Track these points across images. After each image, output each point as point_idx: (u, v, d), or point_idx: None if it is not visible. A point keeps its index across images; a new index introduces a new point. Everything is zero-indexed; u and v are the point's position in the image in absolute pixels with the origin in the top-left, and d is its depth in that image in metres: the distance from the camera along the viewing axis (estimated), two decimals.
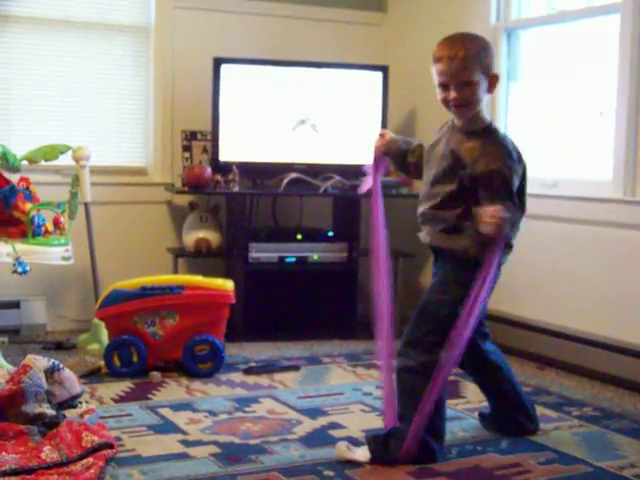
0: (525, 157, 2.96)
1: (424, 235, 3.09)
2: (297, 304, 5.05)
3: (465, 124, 2.97)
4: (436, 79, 2.95)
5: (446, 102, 2.94)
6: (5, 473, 2.57)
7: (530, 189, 3.03)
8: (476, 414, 3.40)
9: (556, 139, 4.45)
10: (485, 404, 3.44)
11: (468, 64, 2.86)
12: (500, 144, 2.92)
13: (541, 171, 4.36)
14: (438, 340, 2.87)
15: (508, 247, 2.95)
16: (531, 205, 3.10)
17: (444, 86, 2.92)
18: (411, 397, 2.87)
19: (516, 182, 2.88)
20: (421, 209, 3.08)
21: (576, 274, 4.22)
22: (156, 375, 3.89)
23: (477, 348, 3.14)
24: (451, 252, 2.99)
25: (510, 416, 3.20)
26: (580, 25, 4.34)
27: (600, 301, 4.09)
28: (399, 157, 3.23)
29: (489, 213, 2.77)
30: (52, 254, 4.17)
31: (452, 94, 2.90)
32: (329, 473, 2.77)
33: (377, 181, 3.22)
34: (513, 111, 4.71)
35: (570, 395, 3.78)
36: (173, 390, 3.75)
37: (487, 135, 2.94)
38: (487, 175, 2.85)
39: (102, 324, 4.17)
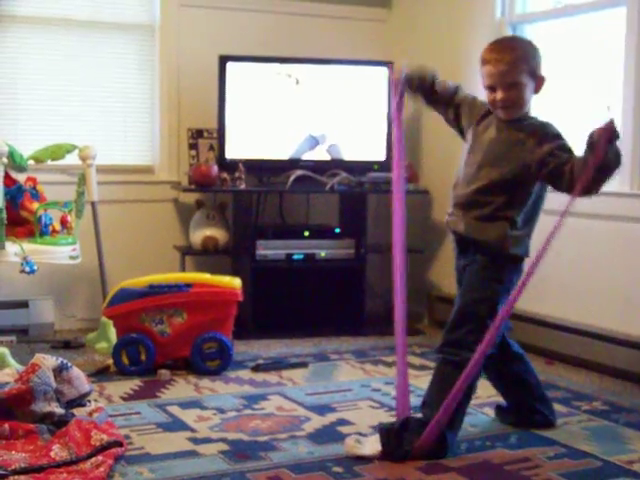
0: None
1: (456, 221, 3.07)
2: (305, 301, 5.04)
3: (513, 120, 3.00)
4: (483, 81, 3.00)
5: (493, 103, 2.98)
6: (15, 472, 2.58)
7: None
8: (485, 409, 3.40)
9: (564, 134, 4.43)
10: (494, 398, 3.44)
11: (515, 66, 2.92)
12: (550, 124, 3.00)
13: None
14: (479, 338, 2.88)
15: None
16: None
17: (491, 88, 2.97)
18: (444, 389, 2.87)
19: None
20: (462, 191, 3.05)
21: (584, 268, 4.22)
22: (164, 373, 3.89)
23: (502, 340, 3.15)
24: (485, 244, 2.99)
25: (533, 408, 3.21)
26: (586, 19, 4.33)
27: (609, 295, 4.08)
28: (425, 88, 3.19)
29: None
30: (59, 253, 4.17)
31: (499, 95, 2.94)
32: (338, 469, 2.77)
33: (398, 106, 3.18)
34: None
35: (579, 389, 3.77)
36: (181, 388, 3.75)
37: (536, 120, 3.01)
38: (557, 148, 2.89)
39: (110, 323, 4.17)
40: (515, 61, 2.92)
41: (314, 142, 5.03)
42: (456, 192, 3.08)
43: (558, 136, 2.95)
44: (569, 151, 2.90)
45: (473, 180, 3.01)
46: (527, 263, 2.96)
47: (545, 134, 2.94)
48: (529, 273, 2.81)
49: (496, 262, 2.97)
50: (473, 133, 3.09)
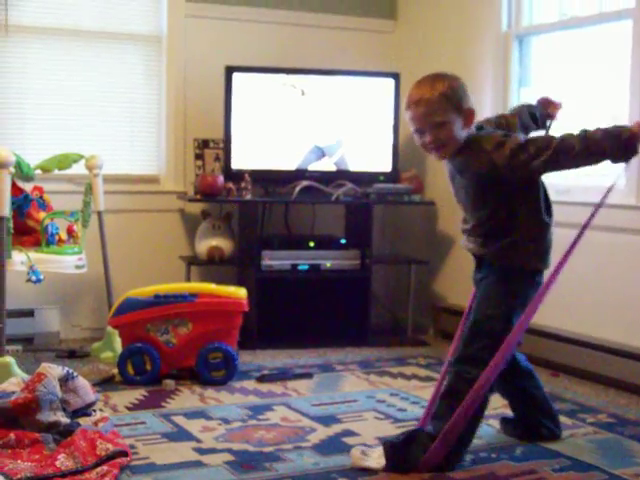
0: None
1: (467, 242, 3.09)
2: (310, 311, 5.04)
3: (454, 157, 2.98)
4: (410, 126, 2.95)
5: (425, 146, 2.94)
6: None
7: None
8: (490, 421, 3.40)
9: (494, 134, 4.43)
10: (500, 410, 3.44)
11: (435, 106, 2.86)
12: (485, 134, 2.94)
13: (553, 177, 4.34)
14: (494, 355, 2.88)
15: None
16: None
17: (419, 131, 2.92)
18: (453, 403, 2.87)
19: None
20: (464, 226, 3.08)
21: (589, 280, 4.21)
22: (169, 383, 3.89)
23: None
24: (495, 258, 2.99)
25: (539, 421, 3.20)
26: (592, 31, 4.34)
27: (614, 307, 4.08)
28: None
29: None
30: (66, 263, 4.18)
31: (428, 137, 2.90)
32: None
33: None
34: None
35: (584, 402, 3.77)
36: (187, 398, 3.75)
37: (472, 139, 2.93)
38: (511, 153, 2.84)
39: (116, 332, 4.18)
40: (436, 100, 2.85)
41: (320, 153, 5.04)
42: (462, 225, 3.11)
43: (498, 143, 2.87)
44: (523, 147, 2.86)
45: (468, 220, 3.05)
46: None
47: (487, 152, 2.87)
48: (546, 287, 2.82)
49: (510, 275, 2.96)
50: (451, 180, 3.10)
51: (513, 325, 2.92)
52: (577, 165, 2.86)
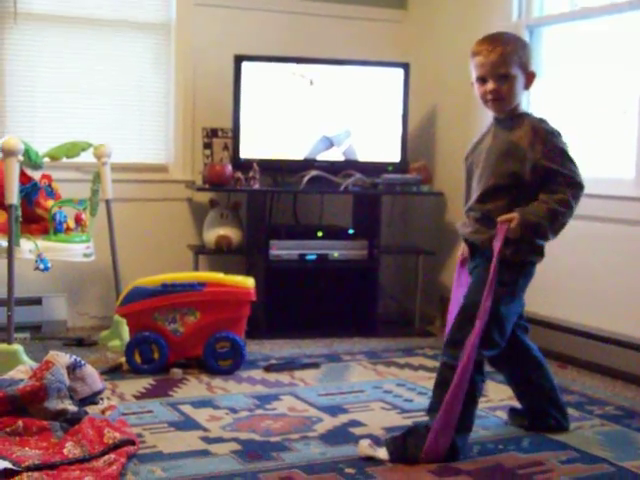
0: None
1: (464, 227, 3.10)
2: (318, 301, 5.05)
3: (506, 120, 2.99)
4: (474, 73, 2.98)
5: (484, 96, 2.97)
6: (28, 468, 2.58)
7: None
8: (498, 412, 3.40)
9: (579, 137, 4.42)
10: (506, 402, 3.44)
11: (506, 57, 2.91)
12: (545, 124, 2.95)
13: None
14: (481, 340, 2.89)
15: (538, 250, 2.98)
16: None
17: (482, 80, 2.95)
18: (445, 393, 2.87)
19: (573, 158, 2.92)
20: (469, 203, 3.08)
21: (598, 272, 4.20)
22: (177, 372, 3.90)
23: (520, 343, 3.15)
24: (485, 247, 2.98)
25: (546, 412, 3.20)
26: (603, 21, 4.31)
27: (623, 299, 4.06)
28: None
29: (501, 219, 2.87)
30: (73, 251, 4.18)
31: (490, 86, 2.93)
32: (350, 470, 2.76)
33: None
34: (535, 109, 4.67)
35: (592, 394, 3.76)
36: (194, 387, 3.75)
37: (530, 120, 2.96)
38: (550, 155, 2.86)
39: (123, 321, 4.18)
40: (507, 52, 2.91)
41: (328, 143, 5.03)
42: (466, 204, 3.09)
43: (550, 141, 2.90)
44: (560, 164, 2.88)
45: (476, 189, 3.02)
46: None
47: (536, 138, 2.90)
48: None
49: (499, 263, 2.94)
50: (470, 154, 3.12)
51: (500, 313, 2.92)
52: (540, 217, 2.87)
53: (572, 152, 2.93)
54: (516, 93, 2.95)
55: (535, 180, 2.88)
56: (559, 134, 2.94)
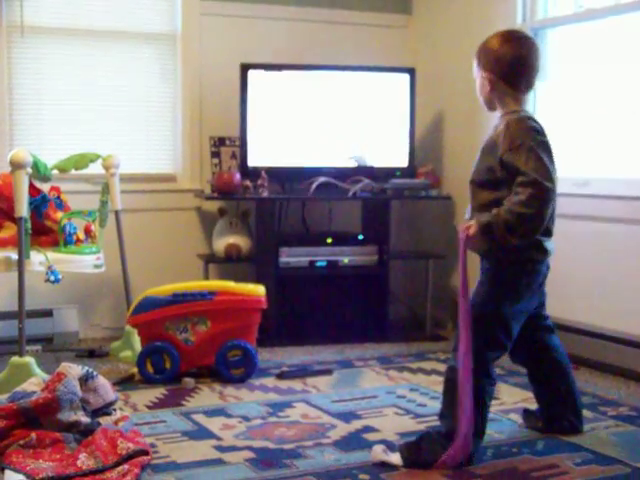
0: (555, 156, 2.91)
1: None
2: (328, 308, 5.04)
3: (498, 119, 2.99)
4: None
5: None
6: None
7: (561, 188, 3.01)
8: (511, 415, 3.39)
9: (586, 138, 4.42)
10: (520, 405, 3.43)
11: (475, 60, 3.03)
12: (524, 122, 2.89)
13: (572, 170, 4.33)
14: (485, 342, 2.90)
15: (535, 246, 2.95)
16: (562, 204, 3.09)
17: None
18: (454, 397, 2.87)
19: (544, 156, 2.81)
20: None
21: (609, 273, 4.19)
22: (189, 381, 3.90)
23: (540, 343, 3.14)
24: (480, 253, 2.99)
25: (561, 414, 3.19)
26: (608, 22, 4.30)
27: (634, 300, 4.05)
28: None
29: (461, 227, 2.88)
30: (84, 262, 4.18)
31: None
32: (364, 477, 2.76)
33: None
34: (542, 111, 4.67)
35: (605, 395, 3.75)
36: (206, 396, 3.75)
37: (511, 117, 2.91)
38: (514, 151, 2.80)
39: (134, 331, 4.19)
40: (476, 55, 3.03)
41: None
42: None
43: (519, 137, 2.83)
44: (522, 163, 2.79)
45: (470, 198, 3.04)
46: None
47: (507, 134, 2.85)
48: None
49: (500, 264, 2.94)
50: None
51: (502, 313, 2.92)
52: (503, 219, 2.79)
53: (546, 152, 2.82)
54: (482, 93, 3.02)
55: (506, 176, 2.84)
56: (536, 132, 2.86)
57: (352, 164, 5.04)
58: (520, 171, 2.77)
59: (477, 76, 3.03)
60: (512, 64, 2.95)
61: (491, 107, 3.04)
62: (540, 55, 3.05)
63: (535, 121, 2.91)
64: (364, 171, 5.03)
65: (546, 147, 2.85)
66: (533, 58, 2.99)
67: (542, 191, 2.75)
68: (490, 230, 2.79)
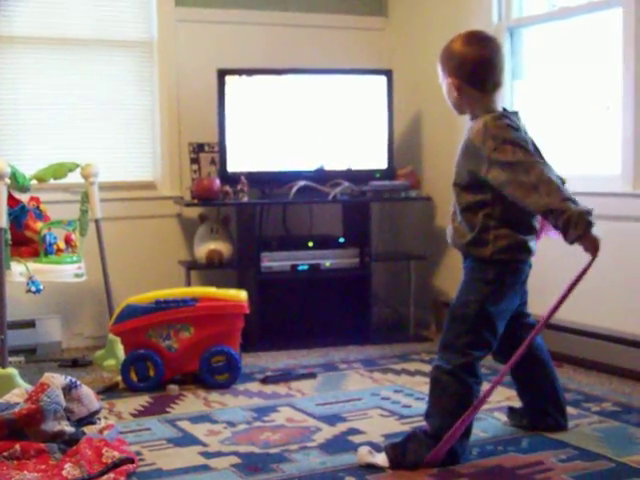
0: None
1: (448, 232, 3.09)
2: (311, 311, 5.04)
3: (471, 120, 3.01)
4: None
5: None
6: None
7: None
8: (495, 414, 3.40)
9: (563, 135, 4.44)
10: (504, 403, 3.44)
11: (439, 66, 3.04)
12: (498, 120, 2.90)
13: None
14: (471, 341, 2.91)
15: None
16: None
17: None
18: (441, 397, 2.89)
19: (526, 146, 2.85)
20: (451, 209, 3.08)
21: (591, 270, 4.20)
22: (173, 388, 3.89)
23: (522, 341, 3.14)
24: (462, 249, 3.00)
25: (546, 411, 3.20)
26: (582, 20, 4.33)
27: (614, 295, 4.07)
28: None
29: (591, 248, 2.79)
30: (65, 272, 4.17)
31: None
32: (350, 479, 2.76)
33: None
34: (518, 109, 4.68)
35: (589, 391, 3.77)
36: (191, 402, 3.75)
37: (484, 117, 2.92)
38: (500, 149, 2.81)
39: (117, 340, 4.18)
40: (439, 60, 3.03)
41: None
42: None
43: (499, 135, 2.84)
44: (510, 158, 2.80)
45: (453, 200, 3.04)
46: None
47: (487, 134, 2.85)
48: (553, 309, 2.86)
49: (483, 263, 2.95)
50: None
51: (488, 312, 2.92)
52: (530, 202, 2.78)
53: (527, 144, 2.85)
54: (450, 99, 3.02)
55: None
56: (513, 128, 2.88)
57: (326, 168, 5.04)
58: (512, 163, 2.78)
59: (443, 82, 3.03)
60: (476, 67, 2.95)
61: (461, 111, 3.05)
62: (503, 53, 3.03)
63: (509, 118, 2.93)
64: (344, 174, 5.02)
65: (525, 141, 2.88)
66: (496, 58, 2.98)
67: (537, 165, 2.79)
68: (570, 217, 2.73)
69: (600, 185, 4.11)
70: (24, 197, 4.30)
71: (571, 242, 2.76)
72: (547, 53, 4.58)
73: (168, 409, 3.64)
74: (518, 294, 3.06)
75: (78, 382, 3.19)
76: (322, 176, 4.98)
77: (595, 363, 4.11)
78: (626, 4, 3.96)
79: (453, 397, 2.87)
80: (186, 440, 3.20)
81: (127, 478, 2.75)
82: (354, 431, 3.27)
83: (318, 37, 5.44)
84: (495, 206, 2.90)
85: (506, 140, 2.82)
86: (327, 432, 3.27)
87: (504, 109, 3.02)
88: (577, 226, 2.71)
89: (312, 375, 4.15)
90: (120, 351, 4.19)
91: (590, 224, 2.72)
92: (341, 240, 5.02)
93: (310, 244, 4.92)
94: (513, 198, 2.81)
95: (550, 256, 4.31)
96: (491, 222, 2.91)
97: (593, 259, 2.80)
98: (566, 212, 2.70)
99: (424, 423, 2.96)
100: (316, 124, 5.02)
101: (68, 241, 4.31)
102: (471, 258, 3.00)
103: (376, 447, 2.99)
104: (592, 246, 2.76)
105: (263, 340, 4.76)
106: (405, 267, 5.20)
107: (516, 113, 3.04)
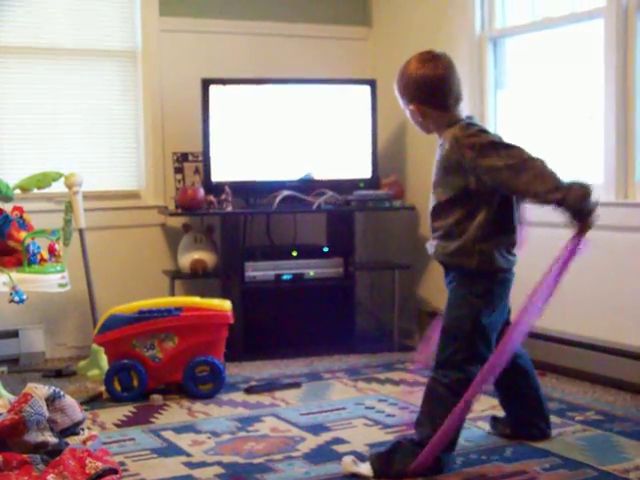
0: None
1: (430, 246, 3.08)
2: (295, 321, 5.04)
3: (440, 136, 3.02)
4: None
5: None
6: None
7: None
8: (479, 423, 3.41)
9: (546, 145, 4.46)
10: (488, 412, 3.45)
11: (397, 92, 3.06)
12: (465, 129, 2.91)
13: None
14: (467, 356, 2.92)
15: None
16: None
17: None
18: (434, 408, 2.89)
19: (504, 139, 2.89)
20: (430, 225, 3.08)
21: (573, 279, 4.19)
22: (157, 398, 3.88)
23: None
24: (449, 264, 3.00)
25: (530, 421, 3.22)
26: (565, 31, 4.36)
27: (598, 304, 4.09)
28: None
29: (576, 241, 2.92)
30: (48, 282, 4.15)
31: None
32: None
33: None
34: (502, 119, 4.72)
35: (572, 400, 3.78)
36: (175, 412, 3.74)
37: (451, 131, 2.92)
38: (482, 154, 2.82)
39: (101, 349, 4.16)
40: (397, 89, 3.04)
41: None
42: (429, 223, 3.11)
43: (474, 142, 2.86)
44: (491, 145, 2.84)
45: (431, 202, 3.04)
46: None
47: (463, 146, 2.87)
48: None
49: (470, 276, 2.96)
50: None
51: (482, 325, 2.93)
52: (528, 191, 2.82)
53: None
54: (415, 123, 3.05)
55: (485, 182, 2.86)
56: (481, 132, 2.90)
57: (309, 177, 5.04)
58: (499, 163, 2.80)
59: (405, 109, 3.03)
60: (434, 88, 2.96)
61: (428, 131, 3.06)
62: (455, 68, 3.02)
63: (475, 124, 2.96)
64: (327, 183, 5.03)
65: (499, 137, 2.92)
66: (452, 74, 2.99)
67: (523, 156, 2.83)
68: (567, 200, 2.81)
69: None
70: (7, 207, 4.28)
71: (581, 217, 2.86)
72: (530, 63, 4.60)
73: (152, 419, 3.63)
74: (506, 304, 3.07)
75: (62, 392, 3.17)
76: (306, 186, 4.99)
77: (578, 372, 4.13)
78: (608, 15, 3.99)
79: (448, 410, 2.86)
80: (170, 450, 3.20)
81: None
82: (338, 440, 3.28)
83: (302, 47, 5.44)
84: (478, 217, 2.90)
85: (483, 145, 2.84)
86: (311, 442, 3.27)
87: (467, 116, 3.02)
88: (587, 201, 2.84)
89: (296, 385, 4.14)
90: (104, 361, 4.17)
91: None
92: (325, 250, 5.03)
93: (294, 254, 4.92)
94: (516, 195, 2.90)
95: (529, 265, 4.32)
96: (477, 233, 2.91)
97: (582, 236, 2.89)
98: (574, 187, 2.80)
99: (413, 431, 2.96)
100: (300, 134, 5.03)
101: (52, 251, 4.29)
102: (456, 271, 2.99)
103: (360, 457, 2.99)
104: (589, 224, 2.87)
105: (247, 350, 4.75)
106: (389, 276, 5.20)
107: (473, 117, 3.05)
